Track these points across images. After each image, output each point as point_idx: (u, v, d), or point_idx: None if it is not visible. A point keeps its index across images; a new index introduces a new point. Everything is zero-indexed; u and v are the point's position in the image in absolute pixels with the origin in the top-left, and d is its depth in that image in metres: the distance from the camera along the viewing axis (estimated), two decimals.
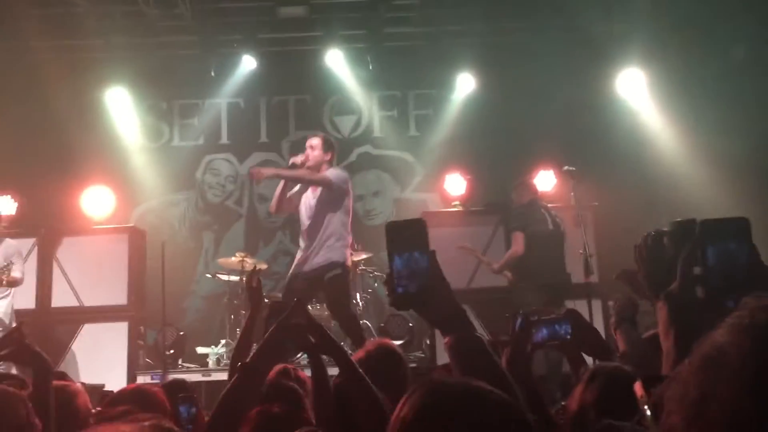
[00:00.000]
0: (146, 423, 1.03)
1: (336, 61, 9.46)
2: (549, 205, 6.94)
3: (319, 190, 5.69)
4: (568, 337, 2.37)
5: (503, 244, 7.46)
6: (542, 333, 2.35)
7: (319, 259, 5.62)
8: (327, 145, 5.78)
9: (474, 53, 9.18)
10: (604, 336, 6.39)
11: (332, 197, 5.64)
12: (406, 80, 9.92)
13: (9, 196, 7.97)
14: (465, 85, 9.47)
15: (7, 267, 6.38)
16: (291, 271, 6.00)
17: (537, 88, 8.95)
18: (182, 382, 3.17)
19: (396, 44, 9.49)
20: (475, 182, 8.27)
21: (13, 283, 6.53)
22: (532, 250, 6.41)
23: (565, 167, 6.45)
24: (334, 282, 5.56)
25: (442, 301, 1.46)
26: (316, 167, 5.67)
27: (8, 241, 6.70)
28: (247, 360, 1.99)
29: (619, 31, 8.93)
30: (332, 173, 5.67)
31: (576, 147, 8.36)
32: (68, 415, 2.37)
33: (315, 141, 5.75)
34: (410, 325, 8.10)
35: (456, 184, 8.28)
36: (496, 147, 9.02)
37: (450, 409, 1.07)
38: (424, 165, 9.81)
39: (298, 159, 5.65)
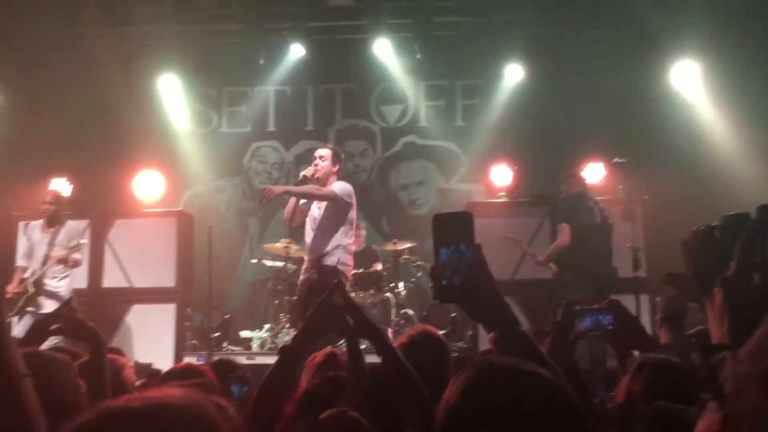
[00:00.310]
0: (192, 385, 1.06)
1: (383, 50, 9.46)
2: (597, 197, 6.83)
3: (324, 203, 5.73)
4: (611, 327, 2.33)
5: (549, 236, 7.38)
6: (585, 323, 2.32)
7: (314, 269, 5.67)
8: (336, 158, 5.82)
9: (523, 43, 9.09)
10: (650, 329, 6.30)
11: (337, 209, 5.67)
12: (454, 70, 9.86)
13: (65, 179, 8.23)
14: (513, 75, 9.38)
15: (77, 246, 6.58)
16: (299, 281, 6.05)
17: (586, 79, 8.81)
18: (230, 361, 3.22)
19: (444, 33, 9.44)
20: (521, 173, 8.20)
21: (76, 264, 6.74)
22: (579, 242, 6.32)
23: (615, 159, 6.33)
24: (322, 290, 5.57)
25: (486, 296, 1.45)
26: (324, 179, 5.71)
27: (70, 223, 6.91)
28: (288, 343, 2.00)
29: (672, 21, 8.71)
30: (338, 187, 5.69)
31: (626, 139, 8.22)
32: (116, 385, 2.45)
33: (324, 152, 5.78)
34: (453, 315, 8.09)
35: (502, 175, 8.22)
36: (544, 138, 8.91)
37: (498, 389, 1.07)
38: (470, 155, 9.76)
39: (308, 172, 5.67)
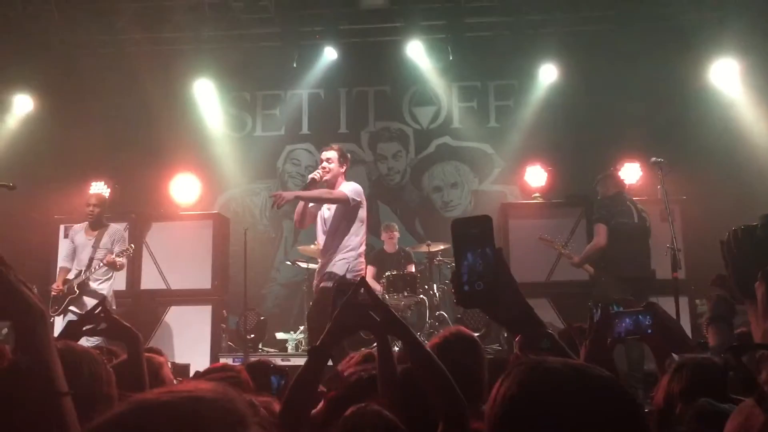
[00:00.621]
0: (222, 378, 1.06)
1: (416, 52, 9.46)
2: (635, 198, 6.73)
3: (334, 205, 5.72)
4: (650, 331, 2.28)
5: (585, 237, 7.29)
6: (624, 325, 2.28)
7: (324, 274, 5.63)
8: (342, 158, 5.77)
9: (557, 43, 9.00)
10: (690, 332, 6.18)
11: (347, 210, 5.64)
12: (487, 71, 9.82)
13: (103, 183, 8.39)
14: (547, 75, 9.29)
15: (127, 251, 6.71)
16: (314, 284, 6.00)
17: (622, 78, 8.69)
18: (267, 362, 3.23)
19: (477, 34, 9.39)
20: (556, 174, 8.12)
21: (122, 267, 6.87)
22: (616, 242, 6.23)
23: (653, 159, 6.22)
24: (322, 293, 5.52)
25: (509, 300, 1.43)
26: (333, 180, 5.69)
27: (113, 226, 7.04)
28: (318, 343, 2.01)
29: (710, 19, 8.56)
30: (348, 188, 5.65)
31: (663, 138, 8.08)
32: (154, 384, 2.48)
33: (331, 154, 5.72)
34: (487, 317, 8.04)
35: (536, 176, 8.16)
36: (579, 138, 8.81)
37: (555, 384, 1.06)
38: (504, 156, 9.70)
39: (316, 175, 5.62)
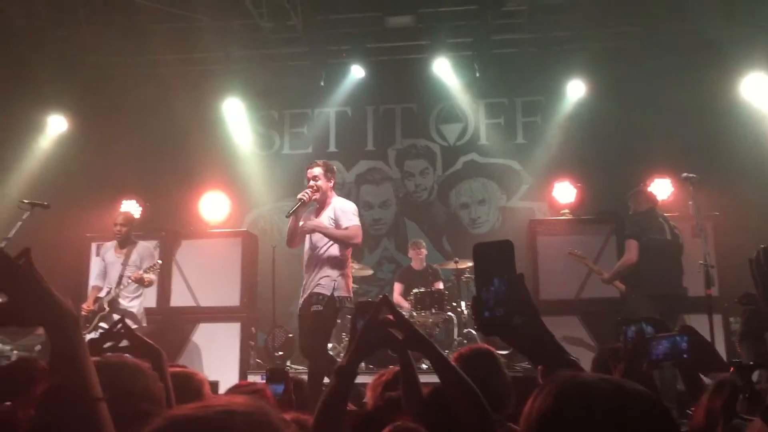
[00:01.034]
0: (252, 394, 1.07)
1: (443, 69, 9.48)
2: (667, 214, 6.64)
3: (323, 214, 5.61)
4: (686, 355, 2.24)
5: (615, 253, 7.22)
6: (660, 349, 2.23)
7: (307, 292, 5.53)
8: (329, 173, 5.70)
9: (584, 58, 8.96)
10: (724, 350, 6.05)
11: (337, 224, 5.57)
12: (514, 87, 9.80)
13: (134, 201, 8.51)
14: (574, 91, 9.24)
15: (155, 267, 6.78)
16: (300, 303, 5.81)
17: (651, 93, 8.61)
18: (281, 370, 3.20)
19: (504, 51, 9.39)
20: (585, 190, 8.05)
21: (151, 284, 6.94)
22: (648, 259, 6.13)
23: (684, 174, 6.14)
24: (314, 316, 5.41)
25: (529, 327, 1.41)
26: (323, 197, 5.64)
27: (142, 244, 7.11)
28: (344, 362, 2.01)
29: (741, 32, 8.46)
30: (349, 218, 5.57)
31: (695, 154, 7.97)
32: (197, 400, 2.46)
33: (317, 171, 5.64)
34: (507, 344, 7.95)
35: (565, 192, 8.10)
36: (608, 154, 8.73)
37: (591, 398, 1.04)
38: (532, 173, 9.65)
39: (305, 196, 5.55)
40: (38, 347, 7.28)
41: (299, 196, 5.57)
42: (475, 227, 9.82)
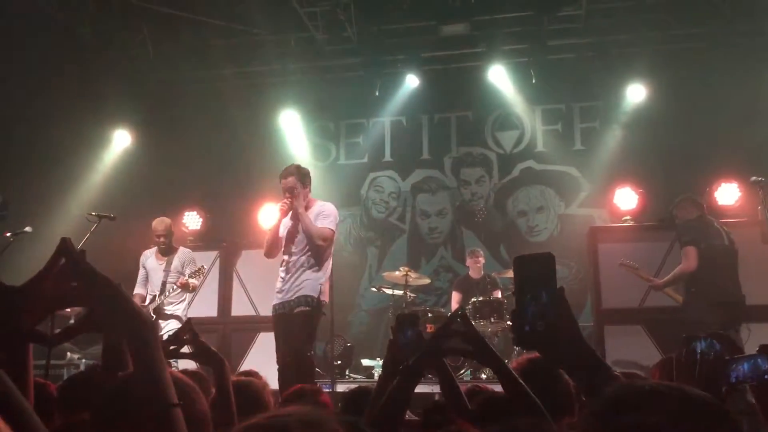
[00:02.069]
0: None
1: (498, 77, 9.42)
2: (733, 220, 6.42)
3: (305, 220, 5.54)
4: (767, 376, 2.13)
5: (679, 260, 6.99)
6: (740, 371, 2.13)
7: (290, 294, 5.48)
8: (301, 178, 5.60)
9: (644, 62, 8.77)
10: None
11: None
12: (571, 93, 9.67)
13: (195, 213, 8.69)
14: (635, 95, 9.05)
15: (198, 271, 6.89)
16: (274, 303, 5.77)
17: (716, 95, 8.36)
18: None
19: (560, 56, 9.26)
20: (647, 196, 7.85)
21: (194, 289, 7.06)
22: (708, 266, 5.92)
23: (753, 178, 5.93)
24: (298, 318, 5.38)
25: (569, 343, 1.37)
26: (303, 202, 5.56)
27: (183, 250, 7.23)
28: (410, 363, 2.07)
29: None
30: (326, 222, 5.52)
31: (762, 157, 7.68)
32: (256, 407, 2.49)
33: (289, 180, 5.55)
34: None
35: (626, 199, 7.91)
36: (671, 159, 8.50)
37: (653, 402, 1.01)
38: (591, 179, 9.48)
39: (284, 207, 5.53)
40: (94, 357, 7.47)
41: (279, 208, 5.61)
42: (534, 235, 9.69)
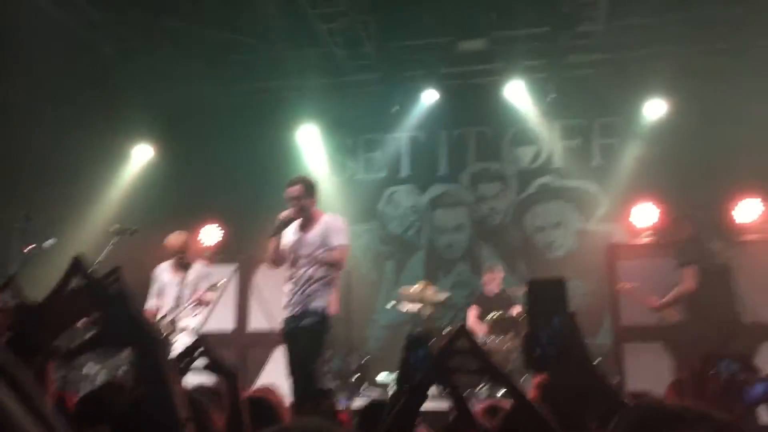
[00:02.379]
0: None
1: (516, 92, 9.42)
2: (755, 236, 6.36)
3: (312, 232, 5.47)
4: None
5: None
6: (755, 393, 2.12)
7: (298, 308, 5.41)
8: (308, 189, 5.52)
9: (664, 76, 8.71)
10: None
11: (325, 242, 5.43)
12: (590, 108, 9.62)
13: (216, 225, 8.75)
14: (655, 110, 8.99)
15: (215, 286, 6.91)
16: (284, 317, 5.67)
17: (739, 110, 8.26)
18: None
19: (579, 72, 9.25)
20: (668, 212, 7.78)
21: (209, 303, 7.08)
22: (706, 285, 5.92)
23: None
24: (306, 331, 5.31)
25: (578, 368, 1.38)
26: (308, 213, 5.47)
27: (197, 265, 7.23)
28: (415, 382, 2.07)
29: None
30: (338, 238, 5.44)
31: None
32: (274, 419, 2.50)
33: (294, 190, 5.47)
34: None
35: (646, 214, 7.85)
36: (692, 174, 8.41)
37: (674, 425, 1.01)
38: (610, 195, 9.41)
39: (285, 215, 5.44)
40: (123, 367, 7.50)
41: (280, 216, 5.48)
42: (551, 251, 9.63)
